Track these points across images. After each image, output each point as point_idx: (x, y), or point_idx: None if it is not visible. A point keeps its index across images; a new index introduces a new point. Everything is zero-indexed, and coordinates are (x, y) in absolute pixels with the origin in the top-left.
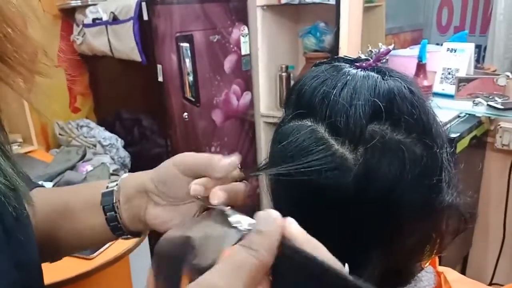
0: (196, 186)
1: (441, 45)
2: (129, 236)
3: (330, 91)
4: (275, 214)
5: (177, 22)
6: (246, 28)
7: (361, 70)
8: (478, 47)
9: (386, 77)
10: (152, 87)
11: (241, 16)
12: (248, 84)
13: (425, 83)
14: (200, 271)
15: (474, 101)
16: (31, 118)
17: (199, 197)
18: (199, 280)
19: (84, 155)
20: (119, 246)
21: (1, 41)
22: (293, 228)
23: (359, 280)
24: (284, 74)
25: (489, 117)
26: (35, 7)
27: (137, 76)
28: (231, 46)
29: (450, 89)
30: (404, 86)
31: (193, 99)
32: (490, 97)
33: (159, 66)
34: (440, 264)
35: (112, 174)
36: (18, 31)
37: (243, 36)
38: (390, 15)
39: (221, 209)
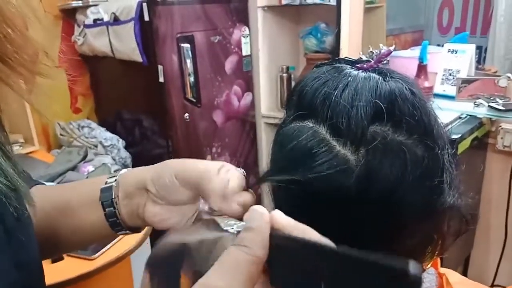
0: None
1: (442, 46)
2: (128, 232)
3: (331, 92)
4: (262, 209)
5: (178, 22)
6: (247, 29)
7: (362, 71)
8: (479, 48)
9: (387, 78)
10: (153, 88)
11: (242, 17)
12: (249, 85)
13: (426, 84)
14: (197, 274)
15: (475, 102)
16: (32, 119)
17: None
18: (199, 282)
19: (85, 156)
20: (121, 246)
21: (1, 41)
22: (280, 219)
23: (347, 247)
24: (285, 75)
25: (490, 118)
26: (35, 8)
27: (138, 77)
28: (232, 47)
29: (451, 90)
30: (405, 87)
31: (194, 100)
32: (491, 98)
33: (160, 67)
34: (441, 266)
35: None
36: (18, 32)
37: (244, 37)
38: (391, 16)
39: (213, 219)
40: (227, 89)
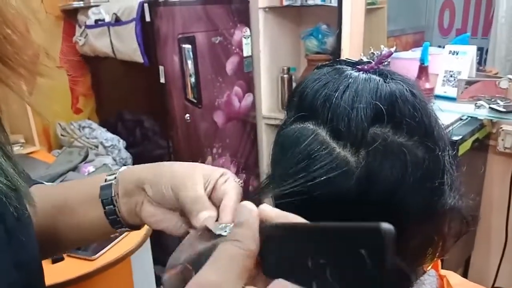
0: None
1: (443, 47)
2: (128, 229)
3: (332, 94)
4: (249, 205)
5: (179, 23)
6: (248, 29)
7: (363, 73)
8: (480, 49)
9: (388, 79)
10: (154, 89)
11: (243, 17)
12: (250, 85)
13: (427, 85)
14: None
15: (476, 103)
16: (33, 119)
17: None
18: (194, 278)
19: (86, 156)
20: (121, 247)
21: (2, 43)
22: (267, 211)
23: (329, 222)
24: (285, 76)
25: (491, 120)
26: (36, 9)
27: (139, 77)
28: (233, 47)
29: (452, 91)
30: (406, 89)
31: (195, 101)
32: (492, 99)
33: (161, 68)
34: (442, 267)
35: None
36: (18, 33)
37: (245, 37)
38: (392, 17)
39: (204, 225)
40: (228, 90)
